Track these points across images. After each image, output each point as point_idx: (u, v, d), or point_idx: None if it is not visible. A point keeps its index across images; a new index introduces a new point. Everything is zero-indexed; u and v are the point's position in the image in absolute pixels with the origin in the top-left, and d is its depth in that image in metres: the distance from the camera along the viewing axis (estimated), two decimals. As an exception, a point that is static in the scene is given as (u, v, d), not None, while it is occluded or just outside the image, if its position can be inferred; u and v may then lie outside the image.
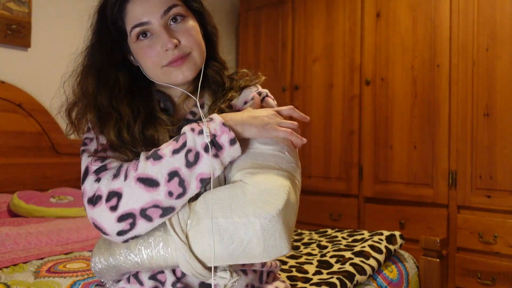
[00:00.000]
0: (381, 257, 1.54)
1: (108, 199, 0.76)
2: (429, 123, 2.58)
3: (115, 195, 0.76)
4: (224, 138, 0.79)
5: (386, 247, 1.61)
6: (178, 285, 0.83)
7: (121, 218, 0.76)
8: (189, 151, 0.78)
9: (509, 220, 2.28)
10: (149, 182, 0.76)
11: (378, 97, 2.79)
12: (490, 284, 2.31)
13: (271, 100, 0.98)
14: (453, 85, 2.49)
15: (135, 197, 0.76)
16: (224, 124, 0.79)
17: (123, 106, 0.87)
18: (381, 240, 1.65)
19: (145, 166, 0.77)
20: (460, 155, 2.46)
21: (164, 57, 0.87)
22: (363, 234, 1.81)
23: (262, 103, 0.96)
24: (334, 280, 1.32)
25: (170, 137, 0.88)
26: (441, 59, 2.53)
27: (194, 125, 0.81)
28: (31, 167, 2.58)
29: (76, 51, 0.93)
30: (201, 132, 0.79)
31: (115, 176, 0.78)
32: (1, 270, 1.33)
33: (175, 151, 0.78)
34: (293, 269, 1.44)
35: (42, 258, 1.47)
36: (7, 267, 1.36)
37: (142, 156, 0.80)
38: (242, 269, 0.87)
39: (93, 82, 0.88)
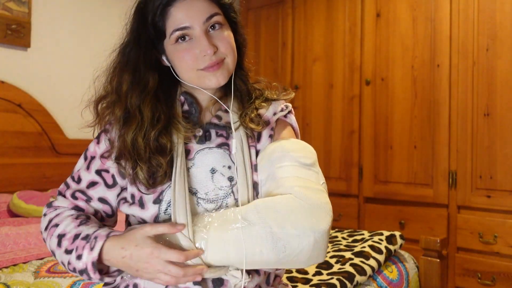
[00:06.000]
0: (381, 257, 1.54)
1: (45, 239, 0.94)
2: (429, 123, 2.58)
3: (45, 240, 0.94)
4: (92, 275, 0.83)
5: (386, 247, 1.61)
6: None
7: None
8: (69, 263, 0.86)
9: (509, 220, 2.28)
10: (54, 253, 0.91)
11: (378, 97, 2.79)
12: (490, 284, 2.31)
13: (293, 117, 1.05)
14: (453, 85, 2.49)
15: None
16: (93, 265, 0.82)
17: (147, 110, 0.90)
18: (381, 240, 1.65)
19: (51, 242, 0.89)
20: (460, 155, 2.46)
21: (201, 61, 0.90)
22: (363, 234, 1.81)
23: (286, 119, 1.03)
24: (334, 281, 1.32)
25: (185, 143, 0.93)
26: (441, 59, 2.53)
27: (85, 245, 0.84)
28: (31, 167, 2.58)
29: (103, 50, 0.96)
30: (79, 257, 0.83)
31: (45, 228, 0.93)
32: (1, 270, 1.33)
33: (67, 252, 0.86)
34: (293, 270, 1.44)
35: (42, 258, 1.47)
36: (7, 267, 1.36)
37: (57, 230, 0.89)
38: (256, 269, 0.90)
39: (128, 80, 0.92)
